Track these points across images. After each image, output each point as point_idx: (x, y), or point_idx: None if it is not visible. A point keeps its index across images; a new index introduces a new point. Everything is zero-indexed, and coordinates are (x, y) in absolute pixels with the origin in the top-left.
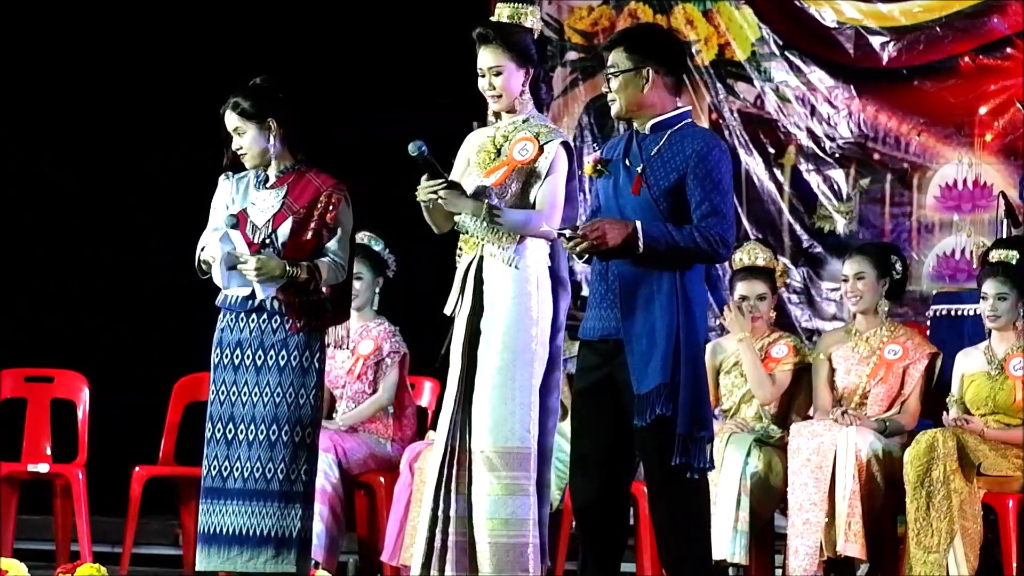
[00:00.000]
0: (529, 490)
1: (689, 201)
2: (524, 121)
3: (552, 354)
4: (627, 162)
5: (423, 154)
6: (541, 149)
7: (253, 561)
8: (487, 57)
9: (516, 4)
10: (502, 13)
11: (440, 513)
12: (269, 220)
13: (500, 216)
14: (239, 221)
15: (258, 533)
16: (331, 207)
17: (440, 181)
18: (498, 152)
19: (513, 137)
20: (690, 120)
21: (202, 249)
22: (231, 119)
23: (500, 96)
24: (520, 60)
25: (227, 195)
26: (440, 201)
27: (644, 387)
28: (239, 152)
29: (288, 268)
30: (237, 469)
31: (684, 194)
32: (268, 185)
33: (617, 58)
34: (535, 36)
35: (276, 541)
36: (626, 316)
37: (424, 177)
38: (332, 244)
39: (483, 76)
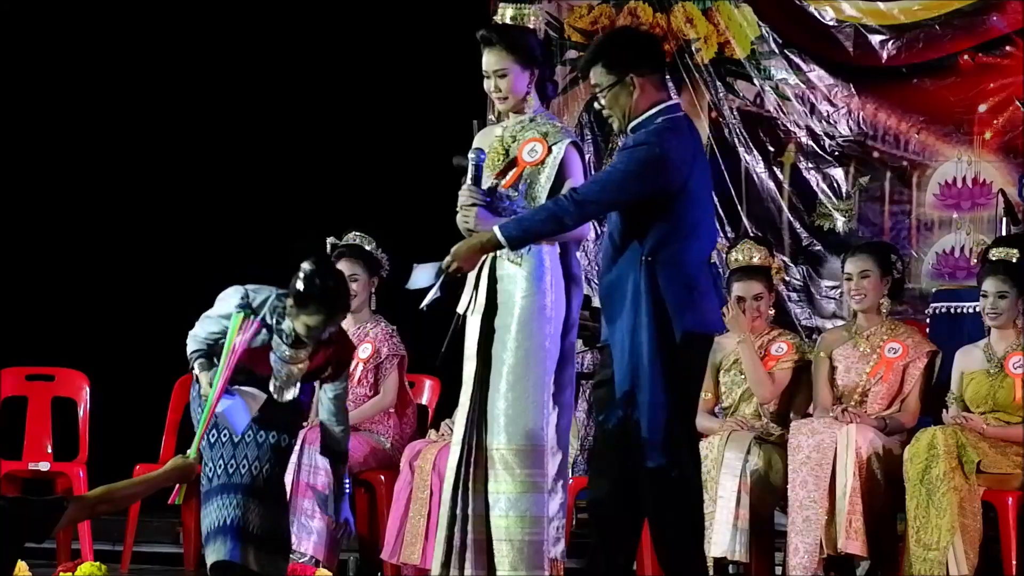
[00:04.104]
0: (544, 487)
1: None
2: (531, 120)
3: (565, 350)
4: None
5: (479, 162)
6: (549, 150)
7: (253, 554)
8: (492, 60)
9: (519, 4)
10: (505, 14)
11: (459, 512)
12: (299, 381)
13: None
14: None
15: (256, 532)
16: (342, 365)
17: (475, 191)
18: (507, 153)
19: (521, 137)
20: (665, 116)
21: (196, 354)
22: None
23: (506, 98)
24: (525, 61)
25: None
26: (468, 220)
27: (618, 391)
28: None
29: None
30: (243, 466)
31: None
32: (292, 344)
33: (598, 76)
34: (539, 35)
35: (273, 539)
36: (608, 322)
37: (466, 184)
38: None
39: (488, 78)
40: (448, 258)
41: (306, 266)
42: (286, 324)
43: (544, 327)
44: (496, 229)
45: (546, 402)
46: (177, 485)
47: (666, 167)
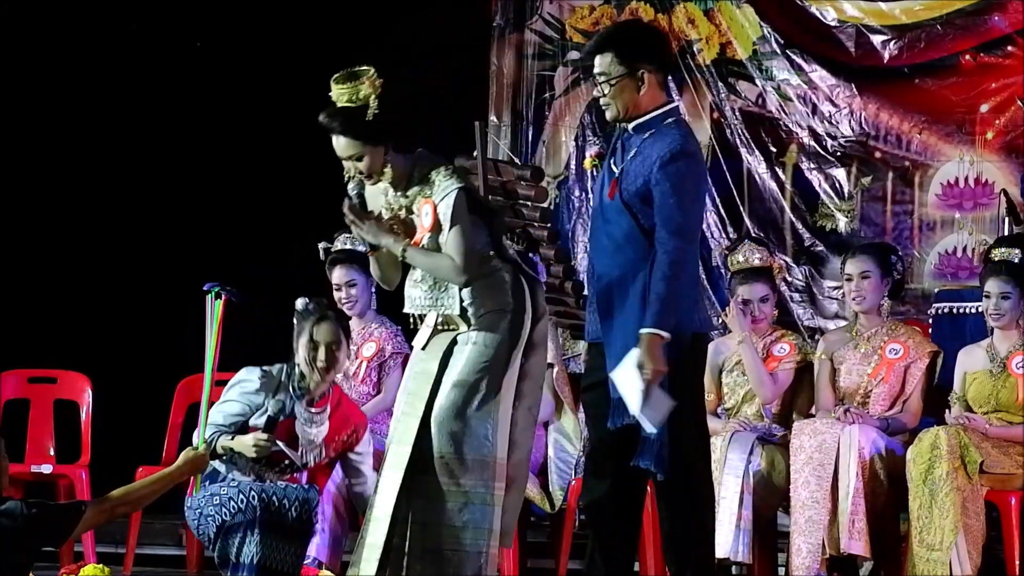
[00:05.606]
0: (486, 499)
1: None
2: (409, 181)
3: (534, 340)
4: (612, 163)
5: (360, 191)
6: (436, 207)
7: None
8: (341, 146)
9: (347, 84)
10: (340, 97)
11: (399, 519)
12: (322, 444)
13: (411, 255)
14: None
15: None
16: (357, 440)
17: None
18: (404, 224)
19: (415, 203)
20: (673, 118)
21: (223, 435)
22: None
23: (370, 176)
24: (375, 140)
25: (261, 396)
26: (361, 229)
27: (616, 393)
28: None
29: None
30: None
31: (652, 198)
32: (311, 403)
33: (607, 64)
34: (376, 95)
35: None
36: (604, 319)
37: (346, 206)
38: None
39: (345, 160)
40: (647, 375)
41: (297, 302)
42: (299, 374)
43: (501, 346)
44: (654, 330)
45: (493, 412)
46: (192, 478)
47: (703, 165)
